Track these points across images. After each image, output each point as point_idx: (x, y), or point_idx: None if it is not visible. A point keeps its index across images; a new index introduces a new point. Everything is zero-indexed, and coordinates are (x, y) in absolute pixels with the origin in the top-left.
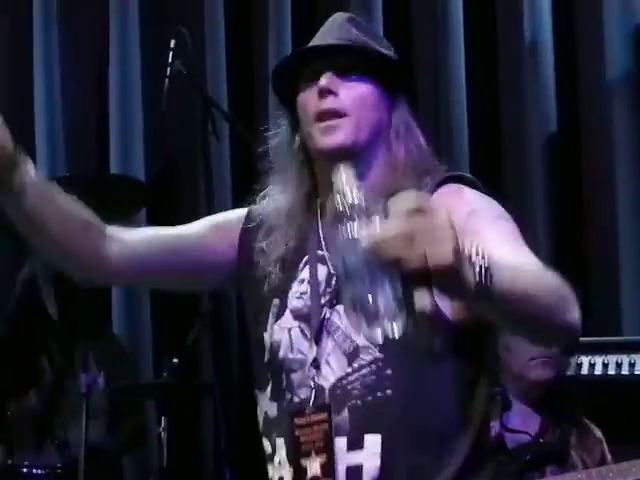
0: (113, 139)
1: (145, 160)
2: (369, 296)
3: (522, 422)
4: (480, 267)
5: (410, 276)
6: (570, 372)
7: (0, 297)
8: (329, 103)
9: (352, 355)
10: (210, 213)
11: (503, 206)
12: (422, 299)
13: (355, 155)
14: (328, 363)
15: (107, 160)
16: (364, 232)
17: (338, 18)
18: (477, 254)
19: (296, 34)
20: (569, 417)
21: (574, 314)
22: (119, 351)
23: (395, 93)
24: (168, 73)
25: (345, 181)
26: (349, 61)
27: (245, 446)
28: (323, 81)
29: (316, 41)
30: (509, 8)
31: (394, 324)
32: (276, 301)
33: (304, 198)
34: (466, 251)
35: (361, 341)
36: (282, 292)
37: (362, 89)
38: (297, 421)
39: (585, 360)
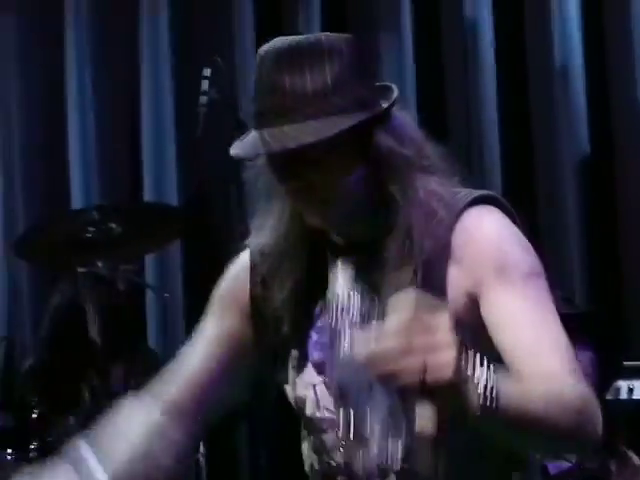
0: (146, 166)
1: (178, 187)
2: (367, 416)
3: None
4: (485, 387)
5: (409, 391)
6: (608, 396)
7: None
8: (308, 200)
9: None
10: (244, 239)
11: (537, 233)
12: (423, 418)
13: (347, 217)
14: None
15: (141, 187)
16: (360, 343)
17: (267, 68)
18: (482, 370)
19: None
20: (608, 443)
21: (593, 431)
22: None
23: (363, 131)
24: (204, 102)
25: (342, 285)
26: (305, 152)
27: (283, 473)
28: (288, 186)
29: (256, 104)
30: (539, 33)
31: (391, 447)
32: (294, 353)
33: (306, 234)
34: (470, 368)
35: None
36: (300, 342)
37: (331, 174)
38: None
39: (623, 384)
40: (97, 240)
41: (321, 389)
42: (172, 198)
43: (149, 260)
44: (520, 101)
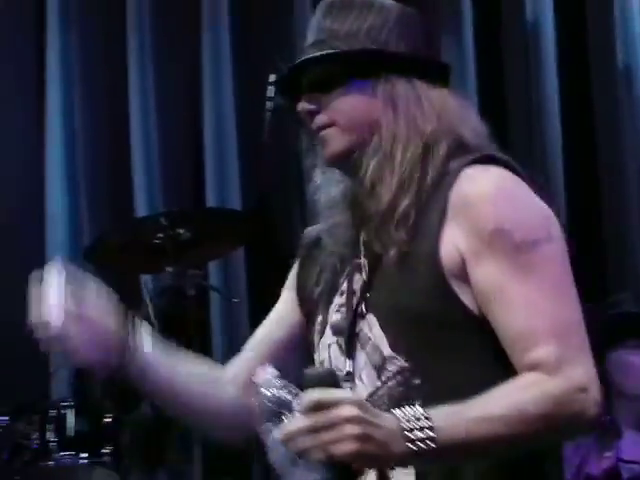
0: (209, 171)
1: (241, 192)
2: None
3: (635, 452)
4: (416, 434)
5: (328, 463)
6: None
7: None
8: (315, 122)
9: (380, 367)
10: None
11: (600, 233)
12: None
13: (353, 155)
14: (361, 378)
15: (203, 192)
16: (281, 427)
17: (320, 14)
18: (411, 418)
19: None
20: None
21: (571, 422)
22: None
23: (387, 73)
24: (269, 107)
25: (265, 381)
26: (323, 70)
27: None
28: (300, 106)
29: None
30: (601, 32)
31: None
32: (319, 318)
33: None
34: (404, 421)
35: (387, 351)
36: (324, 307)
37: (342, 95)
38: None
39: None
40: (166, 246)
41: (334, 349)
42: (235, 203)
43: (213, 265)
44: (583, 101)
